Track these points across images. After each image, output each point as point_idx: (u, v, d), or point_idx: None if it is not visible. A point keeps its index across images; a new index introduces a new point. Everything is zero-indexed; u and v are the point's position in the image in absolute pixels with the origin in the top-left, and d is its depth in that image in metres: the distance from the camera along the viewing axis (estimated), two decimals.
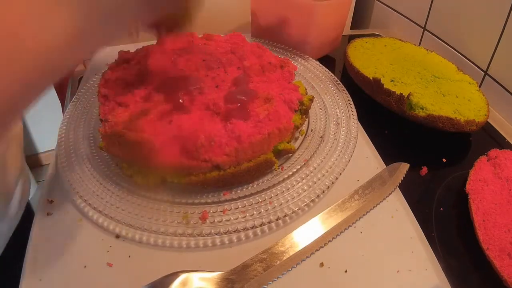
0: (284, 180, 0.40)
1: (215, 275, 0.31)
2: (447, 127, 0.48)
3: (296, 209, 0.37)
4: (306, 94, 0.48)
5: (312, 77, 0.56)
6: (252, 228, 0.35)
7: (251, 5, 0.67)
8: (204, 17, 0.80)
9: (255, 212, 0.36)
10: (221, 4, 0.77)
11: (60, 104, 0.79)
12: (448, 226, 0.40)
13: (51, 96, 0.98)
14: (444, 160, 0.49)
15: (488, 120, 0.53)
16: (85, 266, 0.33)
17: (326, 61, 0.69)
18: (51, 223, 0.36)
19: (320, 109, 0.50)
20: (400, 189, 0.42)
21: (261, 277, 0.32)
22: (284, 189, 0.39)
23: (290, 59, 0.53)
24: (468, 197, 0.40)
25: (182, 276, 0.30)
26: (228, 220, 0.35)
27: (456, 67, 0.61)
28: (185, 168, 0.36)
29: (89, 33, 0.23)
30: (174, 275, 0.30)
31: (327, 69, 0.57)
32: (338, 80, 0.54)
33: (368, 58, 0.60)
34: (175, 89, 0.40)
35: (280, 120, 0.39)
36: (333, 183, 0.40)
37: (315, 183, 0.39)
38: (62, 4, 0.20)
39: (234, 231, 0.35)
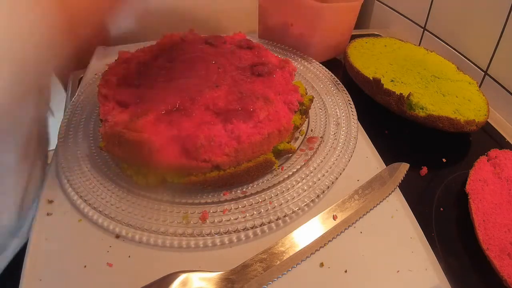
0: (284, 180, 0.40)
1: (215, 275, 0.31)
2: (447, 127, 0.48)
3: (296, 209, 0.37)
4: (306, 94, 0.48)
5: (312, 77, 0.56)
6: (252, 228, 0.35)
7: (259, 6, 0.67)
8: (211, 17, 0.80)
9: (255, 212, 0.36)
10: (228, 4, 0.77)
11: (60, 104, 0.79)
12: (448, 226, 0.40)
13: (51, 96, 0.98)
14: (444, 160, 0.49)
15: (488, 120, 0.53)
16: (85, 266, 0.33)
17: (328, 61, 0.68)
18: (51, 223, 0.36)
19: (320, 109, 0.50)
20: (400, 189, 0.42)
21: (261, 277, 0.32)
22: (284, 189, 0.39)
23: (291, 60, 0.53)
24: (468, 197, 0.40)
25: (182, 276, 0.30)
26: (228, 220, 0.35)
27: (456, 67, 0.61)
28: (185, 168, 0.36)
29: None
30: (174, 275, 0.30)
31: (327, 69, 0.57)
32: (338, 80, 0.54)
33: (368, 58, 0.60)
34: (175, 89, 0.40)
35: (280, 121, 0.39)
36: (333, 183, 0.40)
37: (315, 183, 0.39)
38: None
39: (234, 231, 0.35)
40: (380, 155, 0.46)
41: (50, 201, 0.38)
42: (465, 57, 0.65)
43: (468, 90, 0.55)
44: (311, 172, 0.40)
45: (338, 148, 0.43)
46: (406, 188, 0.42)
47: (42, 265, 0.33)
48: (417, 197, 0.43)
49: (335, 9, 0.60)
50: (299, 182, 0.39)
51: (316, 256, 0.35)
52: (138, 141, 0.35)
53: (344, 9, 0.62)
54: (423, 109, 0.49)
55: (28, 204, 0.42)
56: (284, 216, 0.36)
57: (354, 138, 0.45)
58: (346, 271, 0.34)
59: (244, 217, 0.36)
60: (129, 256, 0.34)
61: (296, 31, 0.63)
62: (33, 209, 0.43)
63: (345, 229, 0.37)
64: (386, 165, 0.44)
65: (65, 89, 0.65)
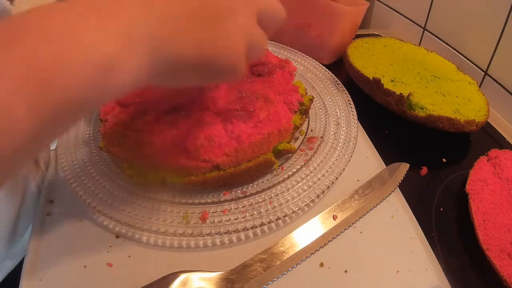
0: (284, 180, 0.40)
1: (215, 275, 0.31)
2: (447, 127, 0.48)
3: (296, 209, 0.36)
4: (306, 94, 0.48)
5: (312, 77, 0.56)
6: (252, 228, 0.35)
7: None
8: None
9: (255, 212, 0.36)
10: None
11: None
12: (448, 226, 0.40)
13: None
14: (444, 160, 0.49)
15: (488, 120, 0.53)
16: (85, 266, 0.33)
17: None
18: (51, 223, 0.36)
19: (320, 109, 0.50)
20: (400, 189, 0.42)
21: (261, 277, 0.32)
22: (284, 189, 0.39)
23: (290, 59, 0.53)
24: (468, 197, 0.40)
25: (182, 276, 0.30)
26: (228, 220, 0.35)
27: (456, 67, 0.61)
28: (185, 168, 0.36)
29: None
30: (174, 275, 0.30)
31: (327, 69, 0.57)
32: (338, 80, 0.54)
33: (368, 58, 0.60)
34: (175, 89, 0.40)
35: (280, 121, 0.39)
36: (333, 183, 0.40)
37: (315, 183, 0.39)
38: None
39: (234, 231, 0.35)
40: (380, 155, 0.46)
41: (50, 201, 0.38)
42: (465, 57, 0.65)
43: (468, 90, 0.55)
44: (311, 172, 0.40)
45: (338, 148, 0.43)
46: (406, 188, 0.42)
47: (42, 265, 0.33)
48: (417, 197, 0.43)
49: (350, 11, 0.61)
50: (299, 182, 0.39)
51: (316, 256, 0.35)
52: (138, 141, 0.35)
53: (356, 11, 0.64)
54: (423, 109, 0.49)
55: (19, 231, 0.40)
56: (284, 216, 0.36)
57: (354, 138, 0.45)
58: (346, 271, 0.34)
59: (244, 217, 0.36)
60: (129, 256, 0.34)
61: (313, 32, 0.63)
62: (27, 231, 0.41)
63: (345, 229, 0.37)
64: (386, 165, 0.44)
65: None
